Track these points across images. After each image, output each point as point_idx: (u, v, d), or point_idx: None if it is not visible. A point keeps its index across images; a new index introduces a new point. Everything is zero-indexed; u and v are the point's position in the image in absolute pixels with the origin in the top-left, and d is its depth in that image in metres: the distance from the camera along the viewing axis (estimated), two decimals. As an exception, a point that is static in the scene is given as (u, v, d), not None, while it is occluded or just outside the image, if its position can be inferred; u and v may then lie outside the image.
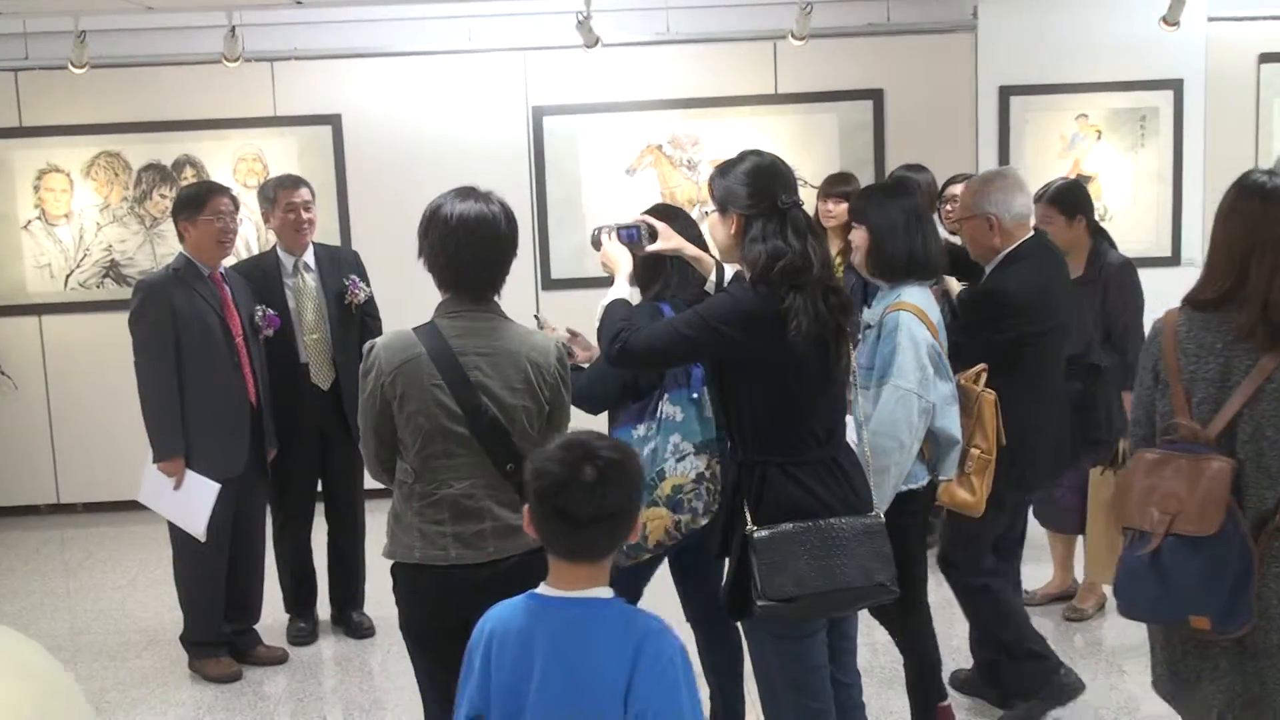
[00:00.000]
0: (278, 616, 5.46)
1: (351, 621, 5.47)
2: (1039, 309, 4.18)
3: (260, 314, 5.04)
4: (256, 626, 5.24)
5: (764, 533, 2.98)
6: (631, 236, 3.39)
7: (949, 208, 5.38)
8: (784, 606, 2.98)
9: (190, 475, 4.80)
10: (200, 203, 4.88)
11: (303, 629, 5.41)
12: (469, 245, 3.04)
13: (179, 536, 4.96)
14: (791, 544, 2.97)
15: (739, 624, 3.33)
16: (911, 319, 3.66)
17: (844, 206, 5.62)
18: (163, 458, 4.81)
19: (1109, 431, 4.65)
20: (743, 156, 3.17)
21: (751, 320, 3.01)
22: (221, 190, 5.01)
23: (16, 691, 1.16)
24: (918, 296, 3.75)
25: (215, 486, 4.80)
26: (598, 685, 2.23)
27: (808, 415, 3.07)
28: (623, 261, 3.32)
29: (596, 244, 3.43)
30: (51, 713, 1.19)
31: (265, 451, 5.10)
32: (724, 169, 3.17)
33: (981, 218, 4.18)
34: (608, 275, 3.34)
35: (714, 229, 3.22)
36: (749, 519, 3.02)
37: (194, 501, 4.81)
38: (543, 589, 2.35)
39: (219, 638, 5.07)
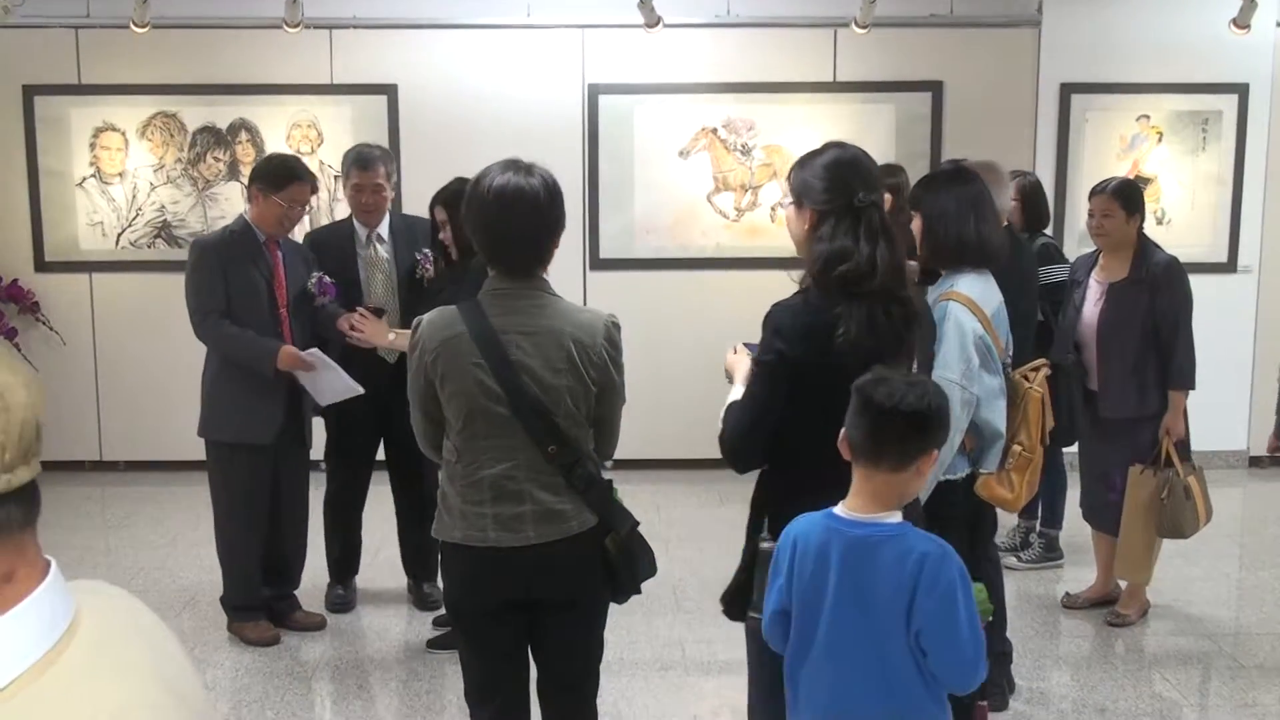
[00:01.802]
0: (318, 582, 5.47)
1: (421, 591, 5.45)
2: (1017, 296, 4.26)
3: (315, 281, 5.01)
4: (296, 593, 5.26)
5: (769, 545, 2.85)
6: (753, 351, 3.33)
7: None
8: None
9: (308, 355, 4.83)
10: (280, 184, 4.83)
11: (341, 595, 5.43)
12: (506, 220, 2.94)
13: (219, 500, 4.99)
14: None
15: None
16: (960, 309, 3.61)
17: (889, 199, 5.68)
18: (277, 365, 4.79)
19: (1072, 426, 4.73)
20: (825, 148, 3.03)
21: (800, 331, 2.87)
22: (307, 178, 4.94)
23: (147, 655, 1.16)
24: (972, 286, 3.69)
25: (314, 350, 4.87)
26: (882, 603, 2.47)
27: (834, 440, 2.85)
28: (741, 367, 3.16)
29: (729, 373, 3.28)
30: (170, 671, 1.19)
31: (305, 419, 5.10)
32: (804, 160, 3.03)
33: None
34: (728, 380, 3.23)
35: (789, 223, 3.07)
36: (765, 529, 2.94)
37: (323, 367, 4.88)
38: (840, 509, 2.57)
39: (258, 602, 5.10)
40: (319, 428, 5.40)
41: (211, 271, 4.81)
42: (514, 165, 3.00)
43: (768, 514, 2.97)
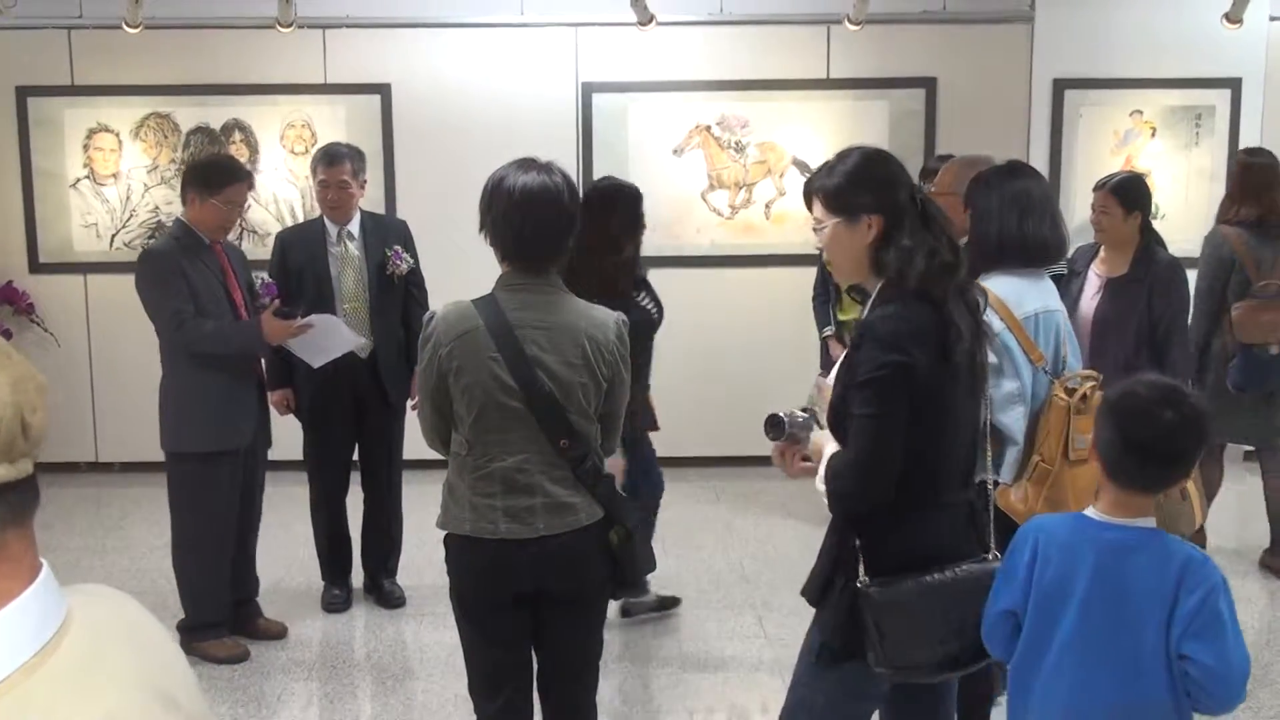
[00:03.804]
0: (313, 582, 5.49)
1: (383, 590, 5.48)
2: None
3: (260, 282, 5.00)
4: (294, 596, 5.27)
5: (878, 589, 2.60)
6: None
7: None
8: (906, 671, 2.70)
9: (305, 321, 4.85)
10: (215, 186, 4.73)
11: (337, 596, 5.44)
12: (532, 218, 2.98)
13: (189, 516, 4.85)
14: (919, 602, 2.62)
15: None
16: None
17: None
18: (266, 341, 4.79)
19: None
20: (848, 153, 2.77)
21: (918, 336, 2.59)
22: (242, 178, 4.86)
23: (133, 657, 1.16)
24: (1005, 285, 3.54)
25: (314, 316, 4.91)
26: (1141, 608, 2.41)
27: (953, 449, 2.71)
28: (827, 445, 2.78)
29: (778, 430, 2.89)
30: (163, 678, 1.18)
31: (269, 423, 5.09)
32: (830, 171, 2.76)
33: (958, 198, 4.11)
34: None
35: (837, 242, 2.75)
36: (861, 568, 2.64)
37: (319, 327, 4.90)
38: (1090, 511, 2.52)
39: (224, 617, 4.97)
40: (296, 431, 5.44)
41: (173, 277, 4.71)
42: (533, 164, 3.04)
43: (861, 543, 2.66)
